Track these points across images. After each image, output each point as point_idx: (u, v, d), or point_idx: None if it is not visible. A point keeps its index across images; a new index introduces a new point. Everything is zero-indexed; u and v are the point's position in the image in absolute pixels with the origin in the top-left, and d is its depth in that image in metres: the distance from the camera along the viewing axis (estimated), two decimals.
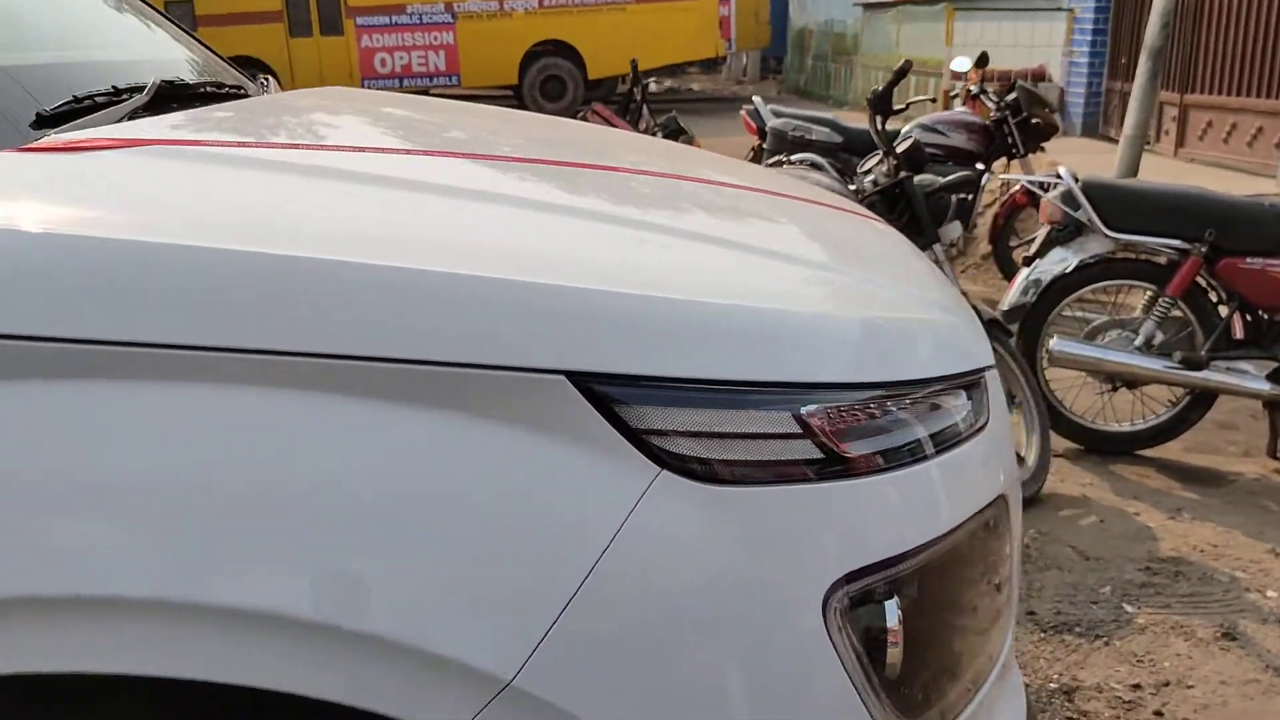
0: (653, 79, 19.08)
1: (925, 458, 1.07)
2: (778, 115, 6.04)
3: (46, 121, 1.31)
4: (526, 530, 0.89)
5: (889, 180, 3.49)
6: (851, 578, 0.99)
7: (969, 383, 1.17)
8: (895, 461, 1.04)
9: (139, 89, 1.50)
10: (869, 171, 3.61)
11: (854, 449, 1.02)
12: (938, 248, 3.48)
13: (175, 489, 0.87)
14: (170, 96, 1.62)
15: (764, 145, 5.78)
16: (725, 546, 0.95)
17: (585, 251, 1.11)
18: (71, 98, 1.38)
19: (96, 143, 1.15)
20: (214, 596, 0.86)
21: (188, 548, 0.86)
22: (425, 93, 15.83)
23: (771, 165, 4.15)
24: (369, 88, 14.42)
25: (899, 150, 3.48)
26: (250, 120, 1.49)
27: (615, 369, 0.93)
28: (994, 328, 3.43)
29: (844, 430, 1.02)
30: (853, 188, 3.57)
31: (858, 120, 5.36)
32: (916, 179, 3.49)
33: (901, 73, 3.54)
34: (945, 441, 1.10)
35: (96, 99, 1.43)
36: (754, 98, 6.26)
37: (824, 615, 0.97)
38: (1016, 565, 1.33)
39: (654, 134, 5.61)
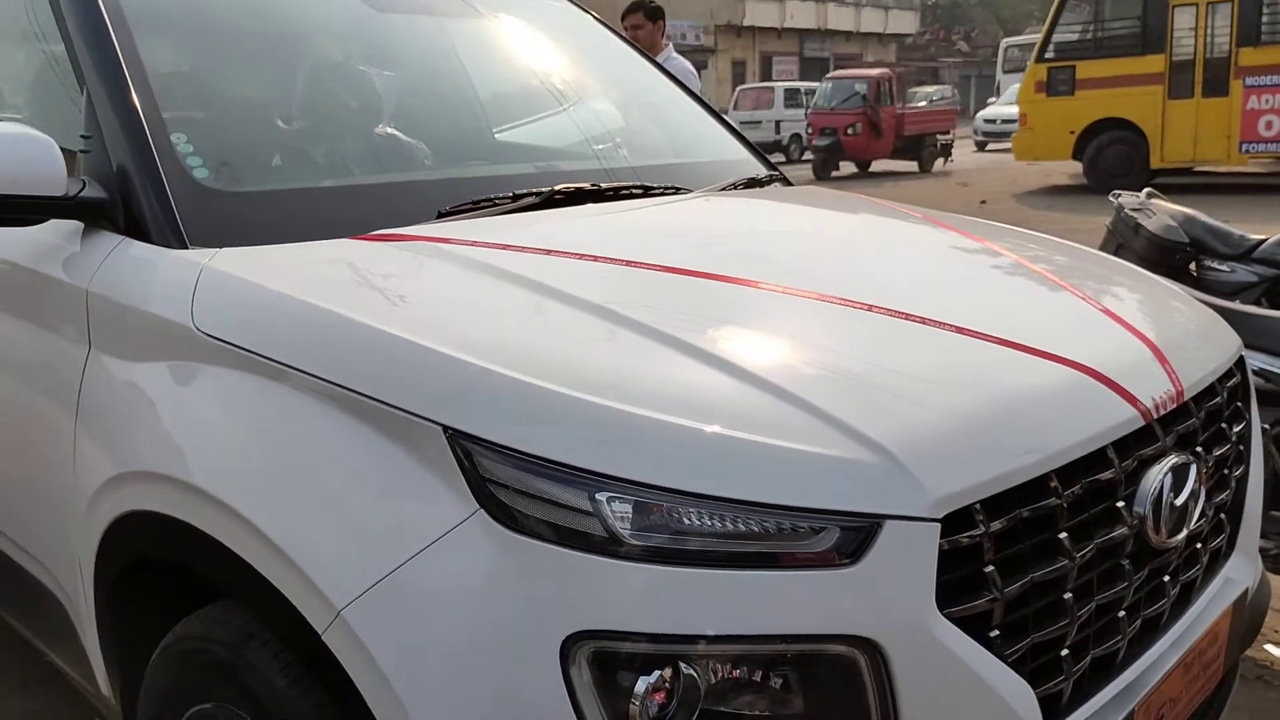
0: None
1: (711, 562, 1.20)
2: None
3: (443, 215, 2.01)
4: (375, 510, 1.33)
5: None
6: (593, 637, 1.19)
7: (845, 524, 1.22)
8: (669, 558, 1.21)
9: (536, 194, 2.14)
10: None
11: (637, 537, 1.20)
12: None
13: None
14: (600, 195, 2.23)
15: None
16: (505, 579, 1.23)
17: (519, 337, 1.48)
18: (470, 201, 2.07)
19: (393, 236, 1.81)
20: None
21: None
22: None
23: None
24: (1247, 152, 13.31)
25: None
26: (547, 229, 2.01)
27: (471, 430, 1.28)
28: None
29: (643, 522, 1.21)
30: None
31: None
32: None
33: None
34: (765, 558, 1.21)
35: (497, 200, 2.10)
36: None
37: (564, 662, 1.19)
38: None
39: None
